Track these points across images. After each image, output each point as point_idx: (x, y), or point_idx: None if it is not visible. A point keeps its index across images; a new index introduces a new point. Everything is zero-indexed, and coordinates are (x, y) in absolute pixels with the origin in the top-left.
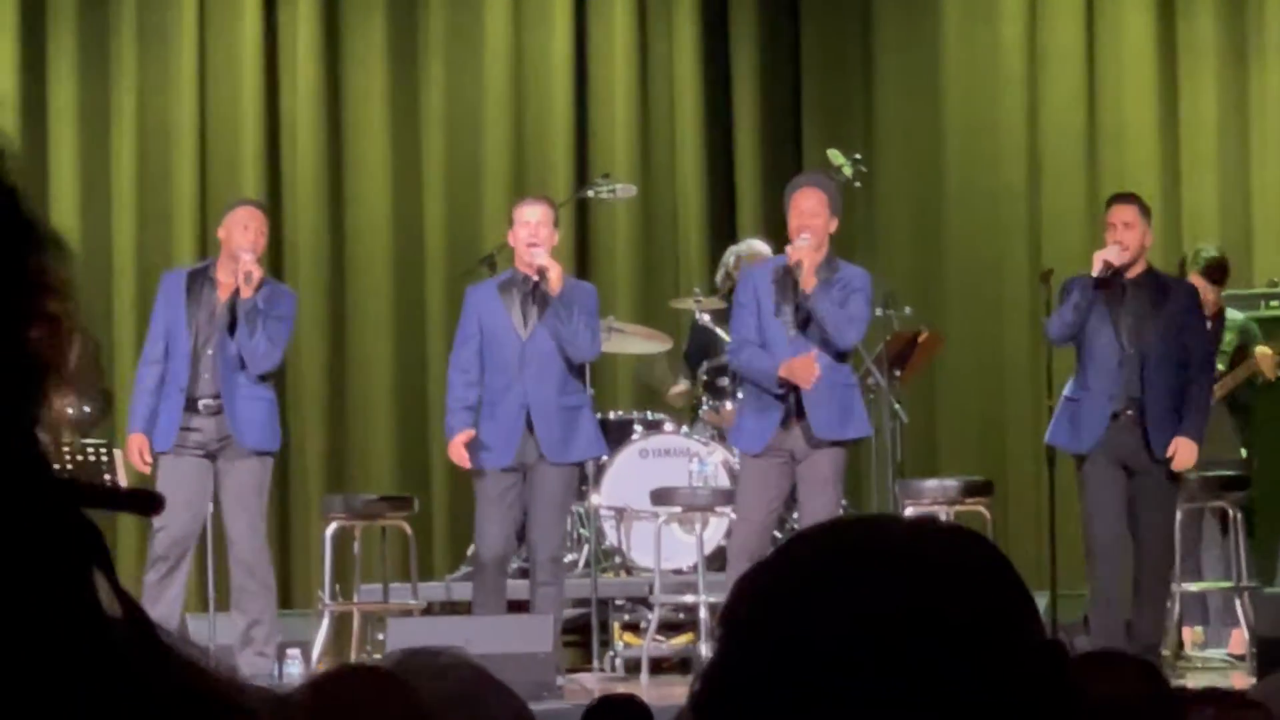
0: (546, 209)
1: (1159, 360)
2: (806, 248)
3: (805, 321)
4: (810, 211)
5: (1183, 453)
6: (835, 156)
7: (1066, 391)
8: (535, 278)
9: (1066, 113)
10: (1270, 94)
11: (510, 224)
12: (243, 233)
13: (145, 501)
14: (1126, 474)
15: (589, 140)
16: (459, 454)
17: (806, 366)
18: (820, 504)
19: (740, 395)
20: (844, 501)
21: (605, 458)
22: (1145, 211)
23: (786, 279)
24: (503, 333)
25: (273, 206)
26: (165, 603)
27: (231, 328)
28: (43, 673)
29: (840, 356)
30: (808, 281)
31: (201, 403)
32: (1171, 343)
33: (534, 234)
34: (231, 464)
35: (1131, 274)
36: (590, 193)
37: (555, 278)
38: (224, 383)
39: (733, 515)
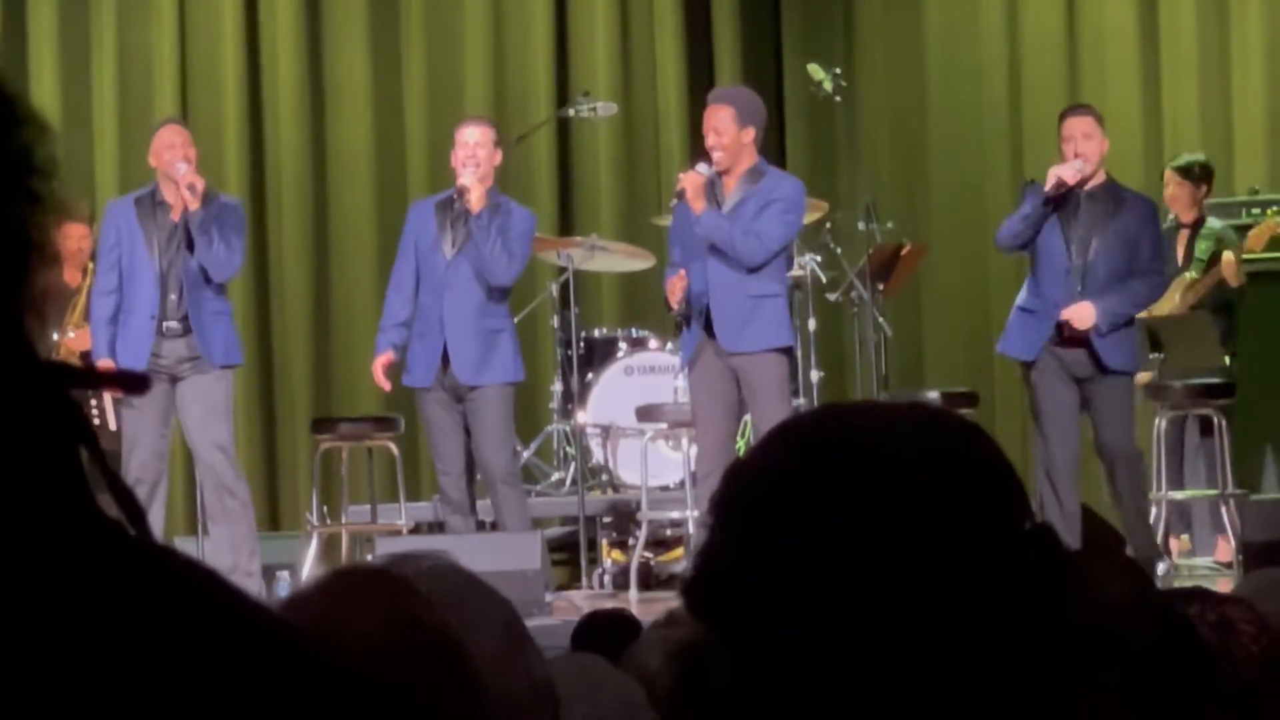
0: (485, 129)
1: (1108, 272)
2: (692, 174)
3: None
4: (714, 128)
5: (1078, 313)
6: (816, 71)
7: (1019, 301)
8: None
9: (1046, 22)
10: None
11: (454, 145)
12: (171, 151)
13: (131, 381)
14: (1076, 384)
15: (569, 58)
16: (378, 376)
17: (673, 286)
18: (767, 414)
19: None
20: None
21: (590, 375)
22: (1101, 121)
23: (714, 195)
24: (431, 252)
25: (253, 129)
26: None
27: (190, 244)
28: (32, 554)
29: (753, 270)
30: (697, 203)
31: (166, 324)
32: (1120, 254)
33: (471, 154)
34: (198, 383)
35: (1089, 185)
36: (571, 111)
37: (475, 198)
38: (190, 303)
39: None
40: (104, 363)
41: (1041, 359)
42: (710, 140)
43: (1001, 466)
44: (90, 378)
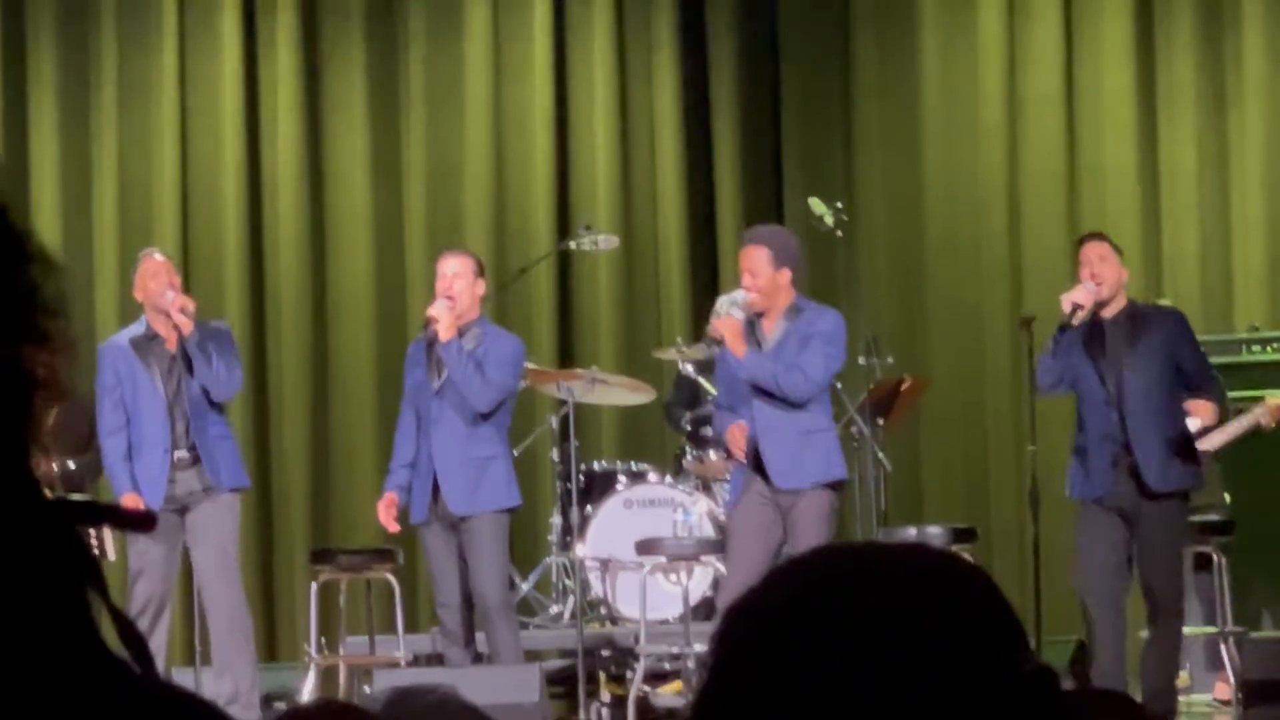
0: (464, 259)
1: (1143, 394)
2: (725, 319)
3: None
4: (749, 270)
5: (1200, 410)
6: (816, 205)
7: (1076, 441)
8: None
9: (1046, 158)
10: (1249, 137)
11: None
12: (156, 280)
13: (138, 520)
14: (1124, 522)
15: (570, 191)
16: (382, 517)
17: (734, 435)
18: (803, 547)
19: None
20: None
21: (590, 508)
22: (1117, 250)
23: (754, 335)
24: (422, 388)
25: (255, 262)
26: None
27: (189, 368)
28: (40, 693)
29: (799, 405)
30: (737, 347)
31: (176, 454)
32: (1151, 370)
33: (448, 285)
34: (208, 513)
35: (1109, 312)
36: (573, 244)
37: (442, 327)
38: (195, 429)
39: (718, 566)
40: (129, 498)
41: (1092, 499)
42: (745, 281)
43: (1000, 609)
44: (96, 515)
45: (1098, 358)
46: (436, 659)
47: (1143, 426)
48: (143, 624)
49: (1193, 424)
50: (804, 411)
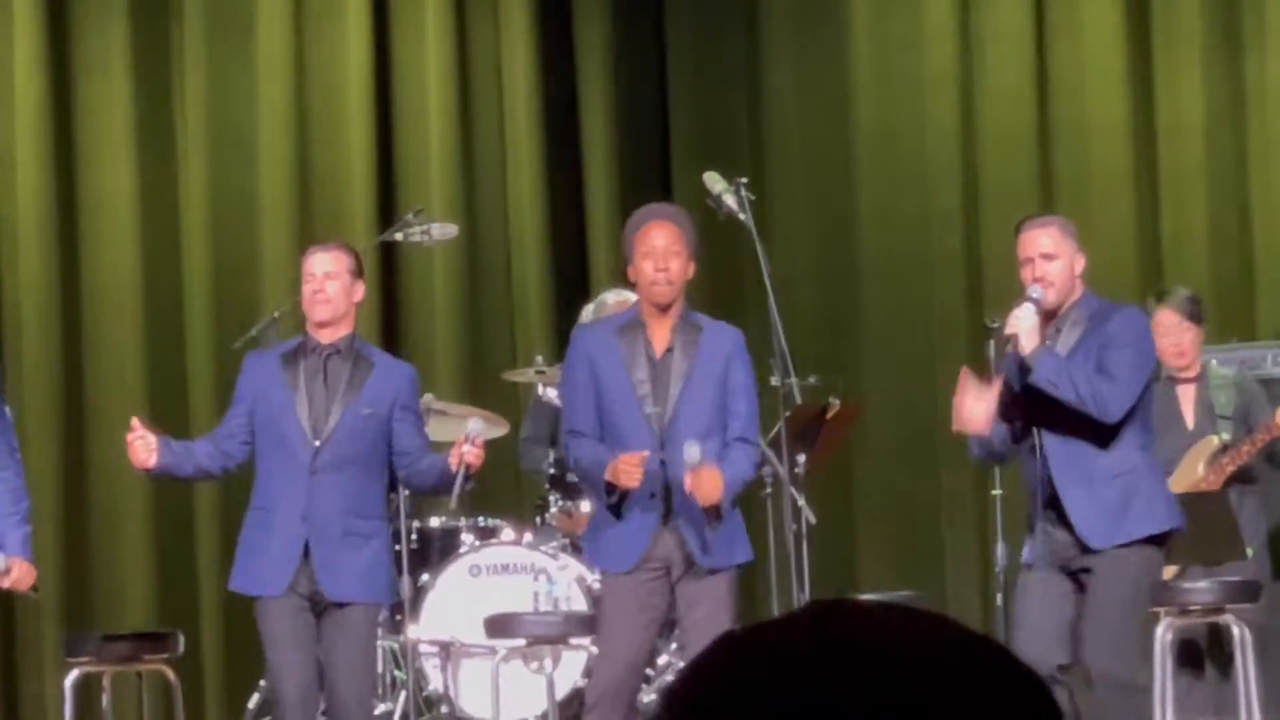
0: (341, 255)
1: (1063, 423)
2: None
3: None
4: (665, 249)
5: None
6: (714, 181)
7: None
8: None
9: (1011, 115)
10: (1270, 87)
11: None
12: None
13: None
14: (1071, 583)
15: (395, 170)
16: (131, 447)
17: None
18: (712, 630)
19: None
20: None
21: (426, 576)
22: (1068, 232)
23: (637, 343)
24: (283, 417)
25: None
26: None
27: None
28: None
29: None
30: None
31: None
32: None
33: (320, 288)
34: None
35: (1063, 311)
36: (398, 235)
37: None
38: None
39: (593, 649)
40: None
41: (1032, 562)
42: (662, 264)
43: (1036, 686)
44: None
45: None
46: None
47: (1063, 461)
48: None
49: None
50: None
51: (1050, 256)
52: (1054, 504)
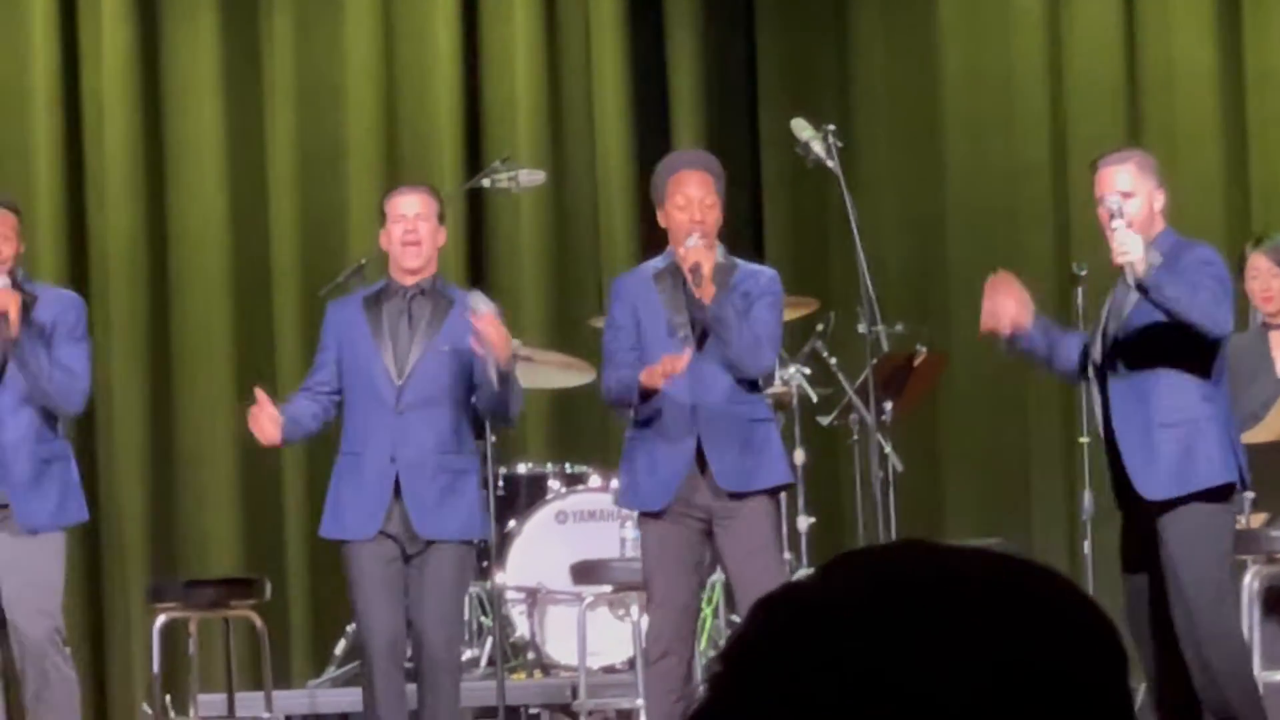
0: (427, 199)
1: (1128, 356)
2: (701, 248)
3: (703, 340)
4: (700, 201)
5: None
6: (801, 128)
7: None
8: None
9: (1099, 61)
10: None
11: (382, 221)
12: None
13: None
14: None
15: (482, 115)
16: (256, 423)
17: (667, 363)
18: (758, 570)
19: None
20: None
21: (513, 523)
22: (1147, 168)
23: (676, 289)
24: (368, 361)
25: (74, 209)
26: None
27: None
28: None
29: (751, 385)
30: (708, 291)
31: None
32: (1146, 325)
33: (411, 229)
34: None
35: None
36: (485, 182)
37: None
38: None
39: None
40: None
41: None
42: (696, 213)
43: (1105, 632)
44: None
45: (1104, 319)
46: None
47: (1128, 405)
48: None
49: None
50: (753, 394)
51: (1128, 194)
52: (1113, 450)
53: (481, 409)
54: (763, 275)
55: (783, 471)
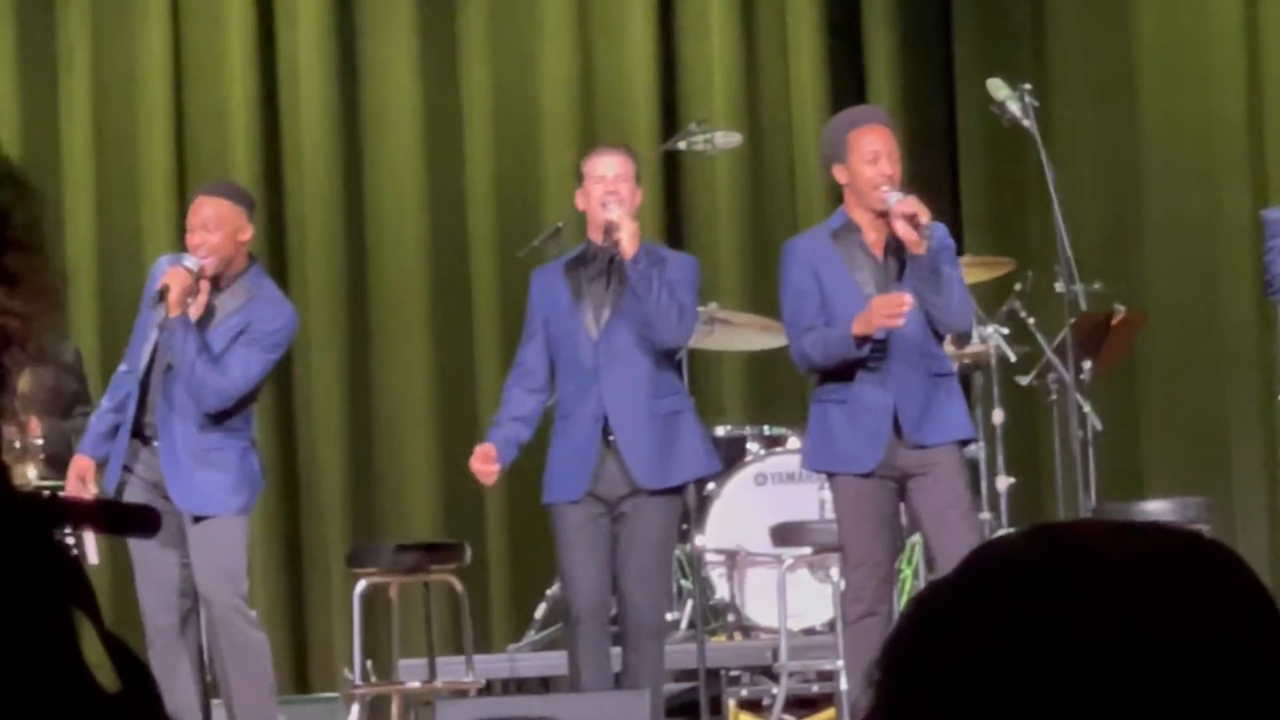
0: (626, 160)
1: None
2: (911, 201)
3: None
4: (890, 153)
5: None
6: (998, 88)
7: None
8: (607, 243)
9: None
10: None
11: (580, 182)
12: (188, 230)
13: (141, 519)
14: None
15: (678, 79)
16: (479, 465)
17: (893, 302)
18: (959, 529)
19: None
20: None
21: (712, 486)
22: None
23: (855, 246)
24: (571, 325)
25: (270, 177)
26: (175, 692)
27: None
28: None
29: (940, 339)
30: (921, 243)
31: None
32: None
33: (612, 190)
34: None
35: None
36: (681, 144)
37: (629, 237)
38: (163, 425)
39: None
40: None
41: None
42: (885, 168)
43: (1264, 604)
44: (83, 513)
45: None
46: (516, 685)
47: None
48: (158, 647)
49: None
50: (938, 350)
51: None
52: None
53: (650, 322)
54: (936, 231)
55: (965, 425)
